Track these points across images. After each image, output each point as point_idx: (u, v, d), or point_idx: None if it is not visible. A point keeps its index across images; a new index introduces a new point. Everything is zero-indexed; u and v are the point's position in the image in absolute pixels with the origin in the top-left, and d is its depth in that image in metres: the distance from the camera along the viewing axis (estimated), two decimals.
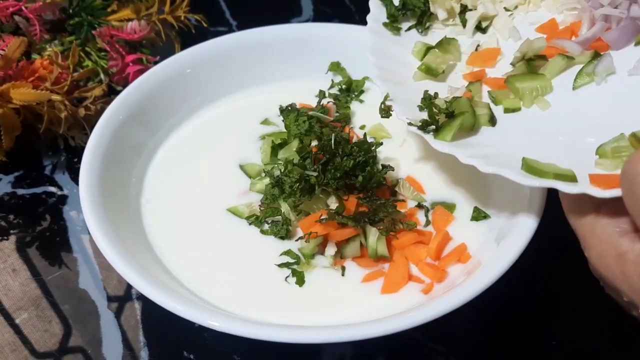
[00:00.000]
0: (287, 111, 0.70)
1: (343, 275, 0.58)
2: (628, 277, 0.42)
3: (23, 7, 0.76)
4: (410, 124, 0.55)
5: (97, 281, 0.66)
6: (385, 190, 0.63)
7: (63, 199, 0.74)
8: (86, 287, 0.66)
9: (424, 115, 0.55)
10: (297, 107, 0.71)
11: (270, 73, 0.76)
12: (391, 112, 0.57)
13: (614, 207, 0.44)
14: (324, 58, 0.76)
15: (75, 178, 0.76)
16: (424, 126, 0.54)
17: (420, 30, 0.64)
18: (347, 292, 0.57)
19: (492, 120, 0.55)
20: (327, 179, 0.59)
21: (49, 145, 0.79)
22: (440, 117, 0.54)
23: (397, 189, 0.64)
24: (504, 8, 0.64)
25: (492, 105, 0.57)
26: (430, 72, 0.60)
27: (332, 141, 0.61)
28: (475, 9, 0.64)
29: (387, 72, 0.60)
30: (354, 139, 0.67)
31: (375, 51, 0.61)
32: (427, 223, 0.62)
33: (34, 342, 0.62)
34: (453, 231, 0.61)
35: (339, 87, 0.75)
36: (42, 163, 0.78)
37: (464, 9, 0.64)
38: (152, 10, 0.83)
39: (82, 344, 0.62)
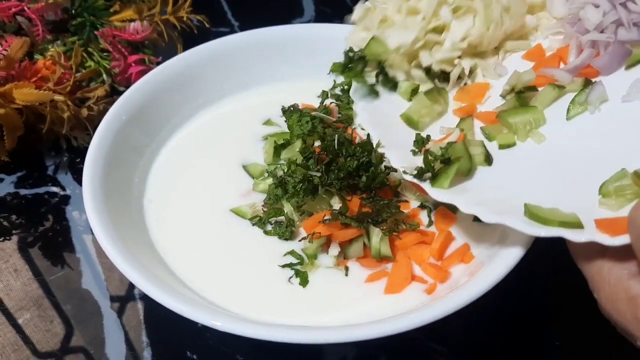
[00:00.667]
0: (289, 111, 0.70)
1: (346, 275, 0.58)
2: None
3: (25, 8, 0.76)
4: (405, 172, 0.54)
5: (99, 281, 0.66)
6: (388, 191, 0.63)
7: (65, 199, 0.74)
8: (89, 287, 0.66)
9: (418, 159, 0.55)
10: (300, 107, 0.71)
11: (272, 73, 0.77)
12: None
13: (621, 249, 0.44)
14: (326, 58, 0.75)
15: (77, 178, 0.76)
16: (419, 174, 0.53)
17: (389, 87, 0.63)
18: (350, 292, 0.57)
19: (488, 160, 0.54)
20: (331, 179, 0.59)
21: (51, 145, 0.79)
22: (435, 164, 0.53)
23: (399, 189, 0.64)
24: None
25: (486, 142, 0.56)
26: (411, 123, 0.59)
27: (336, 142, 0.61)
28: (451, 70, 0.61)
29: (376, 115, 0.59)
30: (357, 140, 0.67)
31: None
32: (430, 223, 0.62)
33: (36, 342, 0.62)
34: (456, 231, 0.61)
35: (341, 87, 0.75)
36: (45, 163, 0.78)
37: (443, 74, 0.62)
38: (155, 10, 0.83)
39: (84, 344, 0.62)
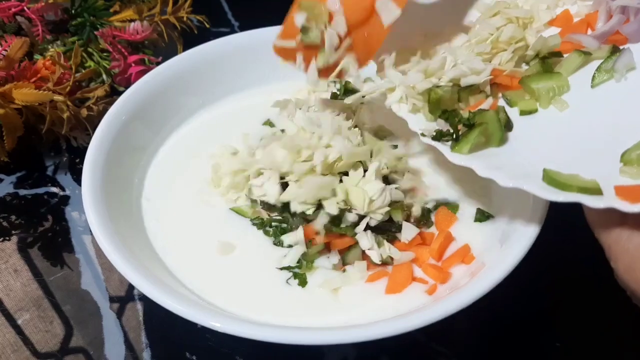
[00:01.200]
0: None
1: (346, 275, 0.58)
2: None
3: (25, 8, 0.76)
4: (423, 135, 0.53)
5: (99, 282, 0.66)
6: None
7: (65, 200, 0.74)
8: (88, 287, 0.66)
9: (434, 125, 0.53)
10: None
11: (272, 73, 0.76)
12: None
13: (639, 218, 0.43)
14: None
15: (77, 179, 0.76)
16: (438, 137, 0.52)
17: None
18: (350, 292, 0.57)
19: (508, 125, 0.53)
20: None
21: (51, 145, 0.79)
22: (460, 127, 0.52)
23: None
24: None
25: (507, 108, 0.54)
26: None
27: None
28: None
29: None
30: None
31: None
32: (430, 224, 0.61)
33: (36, 342, 0.62)
34: (456, 232, 0.60)
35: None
36: (44, 164, 0.78)
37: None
38: (155, 11, 0.83)
39: (83, 344, 0.61)
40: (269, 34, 0.76)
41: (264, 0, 1.02)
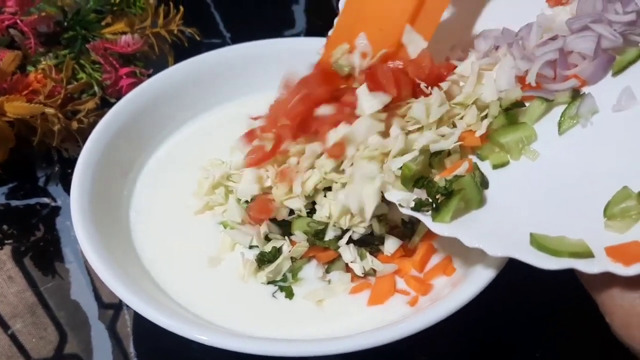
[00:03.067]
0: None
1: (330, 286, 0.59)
2: None
3: (18, 21, 0.77)
4: (401, 205, 0.53)
5: (89, 291, 0.67)
6: None
7: (56, 210, 0.75)
8: (78, 297, 0.67)
9: (411, 194, 0.53)
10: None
11: (262, 84, 0.77)
12: None
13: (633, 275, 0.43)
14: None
15: (68, 189, 0.76)
16: (417, 207, 0.52)
17: None
18: (334, 303, 0.58)
19: (484, 183, 0.52)
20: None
21: (42, 157, 0.80)
22: (438, 197, 0.51)
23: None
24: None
25: (479, 162, 0.54)
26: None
27: None
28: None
29: None
30: None
31: None
32: (412, 236, 0.62)
33: (30, 349, 0.62)
34: (438, 244, 0.61)
35: None
36: (36, 175, 0.79)
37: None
38: (146, 23, 0.84)
39: (77, 351, 0.62)
40: (260, 46, 0.77)
41: (256, 12, 1.03)
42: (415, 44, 0.54)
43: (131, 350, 0.62)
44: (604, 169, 0.50)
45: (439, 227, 0.50)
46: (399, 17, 0.52)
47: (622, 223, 0.46)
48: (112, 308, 0.66)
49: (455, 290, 0.53)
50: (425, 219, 0.51)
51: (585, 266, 0.44)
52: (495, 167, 0.54)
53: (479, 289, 0.52)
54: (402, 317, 0.55)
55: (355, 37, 0.56)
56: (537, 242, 0.46)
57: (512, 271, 0.54)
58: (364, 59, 0.57)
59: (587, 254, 0.45)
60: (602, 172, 0.49)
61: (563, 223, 0.48)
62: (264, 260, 0.59)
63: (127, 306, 0.65)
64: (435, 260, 0.60)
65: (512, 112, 0.55)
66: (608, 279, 0.44)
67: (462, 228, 0.49)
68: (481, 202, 0.51)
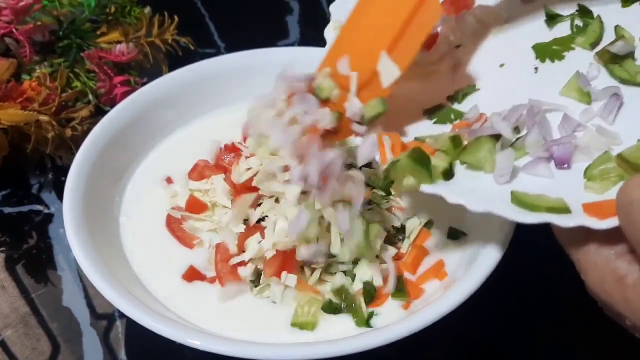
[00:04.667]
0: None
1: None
2: (630, 302, 0.41)
3: (14, 29, 0.78)
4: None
5: (81, 299, 0.67)
6: None
7: (49, 217, 0.75)
8: (70, 304, 0.67)
9: None
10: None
11: (255, 93, 0.77)
12: None
13: (608, 231, 0.44)
14: None
15: (61, 197, 0.76)
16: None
17: None
18: None
19: (447, 175, 0.51)
20: None
21: (36, 164, 0.80)
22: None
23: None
24: None
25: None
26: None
27: None
28: None
29: None
30: None
31: None
32: (404, 240, 0.62)
33: (23, 359, 0.62)
34: (430, 248, 0.62)
35: None
36: (29, 182, 0.79)
37: None
38: (141, 33, 0.85)
39: None
40: (253, 56, 0.78)
41: (251, 23, 1.04)
42: (389, 73, 0.54)
43: (123, 357, 0.62)
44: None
45: (424, 186, 0.50)
46: (379, 44, 0.53)
47: (601, 184, 0.47)
48: (104, 315, 0.66)
49: (447, 293, 0.53)
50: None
51: (561, 220, 0.45)
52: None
53: (471, 291, 0.52)
54: (395, 320, 0.55)
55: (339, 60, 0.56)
56: (517, 198, 0.47)
57: (505, 276, 0.54)
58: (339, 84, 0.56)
59: (564, 210, 0.45)
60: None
61: (544, 184, 0.49)
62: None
63: (119, 313, 0.65)
64: (426, 264, 0.61)
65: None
66: (584, 236, 0.45)
67: (445, 186, 0.50)
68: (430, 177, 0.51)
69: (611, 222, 0.43)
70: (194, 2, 1.07)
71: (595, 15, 0.58)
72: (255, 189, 0.61)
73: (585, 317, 0.54)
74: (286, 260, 0.57)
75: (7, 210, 0.76)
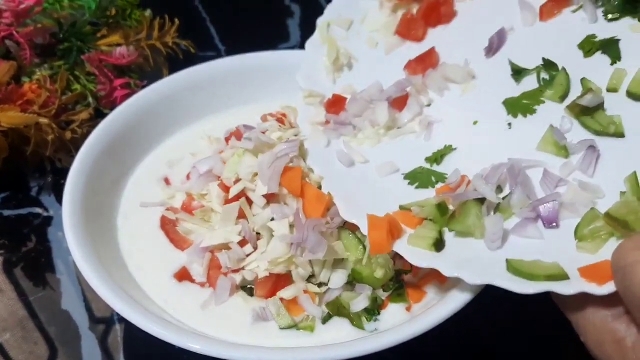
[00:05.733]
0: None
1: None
2: None
3: (14, 32, 0.78)
4: None
5: (79, 302, 0.67)
6: None
7: (48, 220, 0.75)
8: (69, 308, 0.66)
9: None
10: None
11: (257, 95, 0.78)
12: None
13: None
14: None
15: (61, 199, 0.76)
16: None
17: None
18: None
19: (438, 246, 0.52)
20: None
21: (35, 167, 0.80)
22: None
23: None
24: None
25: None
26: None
27: None
28: None
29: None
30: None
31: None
32: None
33: None
34: None
35: None
36: (29, 184, 0.79)
37: None
38: (141, 36, 0.85)
39: None
40: (253, 59, 0.78)
41: (251, 26, 1.04)
42: None
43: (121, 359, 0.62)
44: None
45: (417, 259, 0.51)
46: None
47: (592, 244, 0.48)
48: (102, 319, 0.65)
49: (448, 296, 0.53)
50: (401, 248, 0.53)
51: (561, 288, 0.45)
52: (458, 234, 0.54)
53: (471, 294, 0.52)
54: (399, 323, 0.55)
55: None
56: (513, 267, 0.48)
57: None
58: None
59: (562, 276, 0.46)
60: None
61: (537, 247, 0.49)
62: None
63: (118, 317, 0.65)
64: None
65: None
66: (581, 299, 0.45)
67: (440, 258, 0.51)
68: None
69: (610, 287, 0.44)
70: (194, 5, 1.08)
71: (560, 67, 0.58)
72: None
73: None
74: (279, 283, 0.57)
75: (6, 212, 0.76)
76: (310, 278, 0.58)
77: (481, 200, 0.52)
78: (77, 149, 0.67)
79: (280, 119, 0.73)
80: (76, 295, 0.67)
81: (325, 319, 0.57)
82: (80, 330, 0.64)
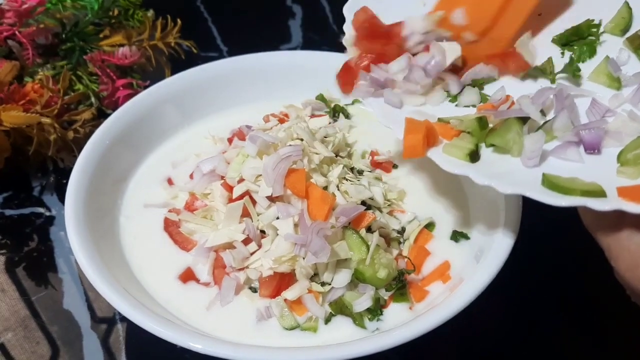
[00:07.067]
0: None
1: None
2: None
3: (17, 32, 0.78)
4: None
5: (82, 302, 0.67)
6: None
7: (51, 220, 0.75)
8: (70, 307, 0.66)
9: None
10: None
11: (260, 95, 0.78)
12: None
13: (638, 216, 0.43)
14: (306, 81, 0.77)
15: (63, 199, 0.75)
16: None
17: None
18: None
19: (473, 157, 0.51)
20: None
21: (38, 166, 0.80)
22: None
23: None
24: None
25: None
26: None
27: None
28: None
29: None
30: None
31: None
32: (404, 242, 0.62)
33: None
34: (433, 249, 0.62)
35: (326, 111, 0.77)
36: (31, 184, 0.79)
37: None
38: (144, 36, 0.85)
39: None
40: (255, 60, 0.78)
41: (254, 27, 1.05)
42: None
43: (123, 359, 0.62)
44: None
45: (449, 164, 0.49)
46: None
47: (635, 169, 0.46)
48: (104, 318, 0.65)
49: (451, 296, 0.53)
50: (435, 155, 0.51)
51: (597, 204, 0.43)
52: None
53: (475, 294, 0.52)
54: (402, 322, 0.55)
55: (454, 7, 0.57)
56: (549, 181, 0.46)
57: (509, 278, 0.54)
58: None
59: (600, 193, 0.44)
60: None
61: (575, 169, 0.47)
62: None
63: (120, 317, 0.65)
64: (431, 266, 0.60)
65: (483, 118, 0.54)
66: (616, 222, 0.44)
67: (474, 168, 0.49)
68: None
69: None
70: (197, 6, 1.08)
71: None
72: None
73: (590, 317, 0.54)
74: (283, 282, 0.57)
75: (9, 212, 0.76)
76: (313, 277, 0.58)
77: (524, 120, 0.50)
78: (79, 149, 0.67)
79: (282, 119, 0.73)
80: (78, 295, 0.67)
81: (327, 319, 0.57)
82: (82, 330, 0.64)
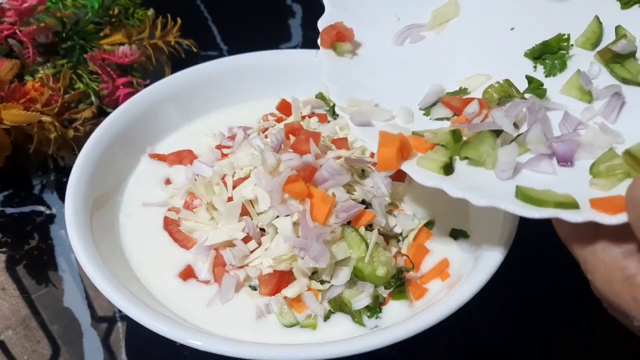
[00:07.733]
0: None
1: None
2: (639, 302, 0.41)
3: (17, 31, 0.78)
4: None
5: (82, 300, 0.67)
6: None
7: (51, 218, 0.75)
8: (71, 305, 0.66)
9: None
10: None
11: (259, 93, 0.78)
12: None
13: (615, 229, 0.43)
14: (306, 81, 0.77)
15: (63, 197, 0.76)
16: None
17: None
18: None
19: (447, 170, 0.51)
20: None
21: (38, 165, 0.80)
22: None
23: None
24: None
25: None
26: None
27: None
28: None
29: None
30: None
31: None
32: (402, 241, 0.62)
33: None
34: (432, 247, 0.62)
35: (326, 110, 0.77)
36: (32, 182, 0.79)
37: None
38: (144, 35, 0.85)
39: None
40: (255, 58, 0.78)
41: (254, 26, 1.05)
42: None
43: (123, 359, 0.62)
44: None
45: (424, 178, 0.50)
46: None
47: (607, 181, 0.46)
48: (105, 317, 0.65)
49: (450, 294, 0.53)
50: (409, 168, 0.51)
51: (570, 216, 0.44)
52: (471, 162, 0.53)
53: (474, 291, 0.52)
54: (401, 319, 0.55)
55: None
56: (523, 193, 0.46)
57: (507, 276, 0.54)
58: None
59: (573, 205, 0.45)
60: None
61: (548, 182, 0.48)
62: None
63: (120, 315, 0.65)
64: (430, 264, 0.60)
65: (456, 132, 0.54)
66: (591, 235, 0.44)
67: (447, 180, 0.50)
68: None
69: (622, 218, 0.42)
70: (197, 5, 1.08)
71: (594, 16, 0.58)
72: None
73: (590, 317, 0.54)
74: (283, 280, 0.58)
75: (9, 210, 0.76)
76: (313, 274, 0.58)
77: (497, 133, 0.51)
78: (79, 147, 0.67)
79: (280, 119, 0.73)
80: (79, 293, 0.67)
81: (327, 316, 0.57)
82: (83, 328, 0.64)
